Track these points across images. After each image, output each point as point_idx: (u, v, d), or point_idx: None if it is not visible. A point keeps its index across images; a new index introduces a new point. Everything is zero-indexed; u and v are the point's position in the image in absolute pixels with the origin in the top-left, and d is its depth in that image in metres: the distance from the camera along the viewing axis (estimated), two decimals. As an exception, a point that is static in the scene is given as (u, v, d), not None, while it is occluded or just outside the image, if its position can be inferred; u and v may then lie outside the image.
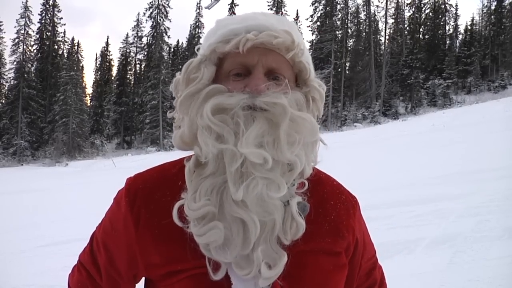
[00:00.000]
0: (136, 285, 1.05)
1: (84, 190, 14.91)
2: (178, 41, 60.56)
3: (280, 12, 48.76)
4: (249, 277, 0.85)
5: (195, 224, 0.85)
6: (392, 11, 53.56)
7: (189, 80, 0.93)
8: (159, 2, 53.42)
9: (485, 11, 54.27)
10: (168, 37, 56.96)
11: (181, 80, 0.95)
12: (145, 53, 55.78)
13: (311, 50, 50.03)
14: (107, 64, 60.31)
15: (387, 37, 52.35)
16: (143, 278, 1.01)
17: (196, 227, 0.85)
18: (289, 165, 0.88)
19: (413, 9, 53.70)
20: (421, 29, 54.10)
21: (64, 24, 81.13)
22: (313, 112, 0.96)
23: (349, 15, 52.76)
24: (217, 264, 0.86)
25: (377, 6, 59.21)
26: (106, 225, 1.01)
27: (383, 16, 52.80)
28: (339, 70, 49.76)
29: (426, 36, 53.49)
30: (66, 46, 58.51)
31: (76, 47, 59.36)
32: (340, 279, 0.98)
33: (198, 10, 55.75)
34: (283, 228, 0.87)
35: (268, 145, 0.84)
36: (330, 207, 0.99)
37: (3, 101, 52.29)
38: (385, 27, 52.25)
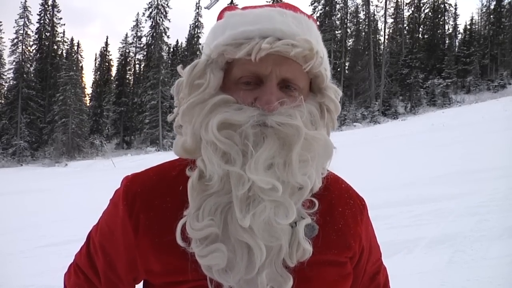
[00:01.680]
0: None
1: (83, 190, 14.89)
2: (177, 41, 60.61)
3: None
4: None
5: (198, 244, 0.81)
6: (391, 10, 53.65)
7: (194, 86, 0.85)
8: (159, 2, 53.41)
9: (484, 10, 54.32)
10: (168, 37, 57.08)
11: (184, 84, 0.86)
12: (145, 53, 55.78)
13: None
14: (107, 64, 60.29)
15: (386, 36, 52.41)
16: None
17: (198, 247, 0.80)
18: (299, 185, 0.82)
19: (413, 9, 53.73)
20: (420, 29, 54.13)
21: (64, 24, 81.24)
22: (327, 125, 0.90)
23: (349, 14, 52.82)
24: (219, 284, 0.83)
25: (377, 6, 59.36)
26: (103, 228, 0.96)
27: (382, 15, 52.87)
28: (338, 69, 49.78)
29: (426, 36, 53.52)
30: (66, 46, 58.56)
31: (75, 47, 59.36)
32: (346, 287, 0.97)
33: (197, 10, 55.78)
34: (289, 252, 0.82)
35: (279, 168, 0.79)
36: (338, 214, 0.95)
37: (3, 102, 52.27)
38: (385, 26, 52.31)
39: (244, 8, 0.91)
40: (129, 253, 0.91)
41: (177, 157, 0.95)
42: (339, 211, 0.96)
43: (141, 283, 1.02)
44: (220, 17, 0.92)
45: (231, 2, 53.11)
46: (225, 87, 0.85)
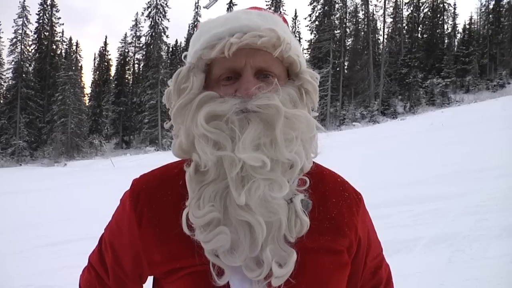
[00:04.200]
0: (144, 285, 1.06)
1: (83, 190, 14.88)
2: (176, 40, 60.54)
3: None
4: (260, 278, 0.85)
5: (202, 231, 0.85)
6: (390, 10, 53.60)
7: (180, 91, 0.93)
8: (158, 1, 53.40)
9: (483, 10, 54.36)
10: (167, 36, 56.98)
11: (172, 91, 0.95)
12: (144, 53, 55.75)
13: (309, 50, 50.11)
14: (106, 64, 60.23)
15: (385, 36, 52.35)
16: (151, 278, 1.02)
17: (202, 233, 0.85)
18: (289, 163, 0.88)
19: (412, 8, 53.71)
20: (419, 28, 54.11)
21: (62, 24, 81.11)
22: (307, 105, 0.95)
23: (348, 14, 52.79)
24: (221, 269, 0.86)
25: (376, 5, 59.39)
26: (113, 225, 1.03)
27: (381, 15, 52.80)
28: (337, 69, 49.77)
29: (425, 35, 53.51)
30: (65, 46, 58.50)
31: (74, 47, 59.31)
32: (342, 279, 0.97)
33: (196, 10, 55.73)
34: (288, 226, 0.87)
35: (266, 146, 0.85)
36: (331, 205, 0.97)
37: (1, 101, 52.21)
38: (384, 26, 52.27)
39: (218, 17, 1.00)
40: (134, 247, 0.96)
41: (168, 159, 1.06)
42: (332, 201, 0.98)
43: (149, 283, 1.04)
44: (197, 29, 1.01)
45: (230, 2, 53.08)
46: (208, 87, 0.93)
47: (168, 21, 62.24)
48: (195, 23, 55.82)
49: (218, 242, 0.84)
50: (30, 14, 54.42)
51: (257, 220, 0.83)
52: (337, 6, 51.80)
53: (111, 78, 59.05)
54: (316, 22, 51.51)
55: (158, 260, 0.93)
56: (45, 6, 55.20)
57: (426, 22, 53.70)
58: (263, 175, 0.84)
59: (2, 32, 71.06)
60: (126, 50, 57.91)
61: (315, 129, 0.93)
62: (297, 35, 52.97)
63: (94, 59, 62.07)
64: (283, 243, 0.87)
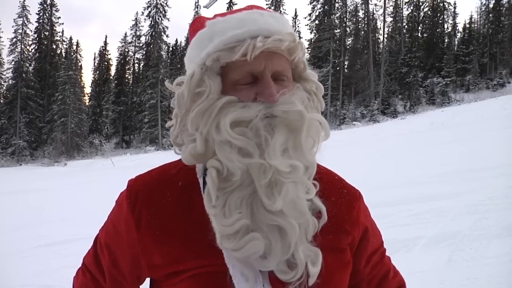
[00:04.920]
0: (141, 286, 1.06)
1: (83, 190, 14.89)
2: (176, 40, 60.52)
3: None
4: (294, 279, 0.85)
5: (231, 240, 0.84)
6: (390, 9, 53.55)
7: (195, 95, 0.89)
8: (158, 1, 53.34)
9: (483, 9, 54.30)
10: (167, 36, 56.93)
11: (185, 94, 0.90)
12: (144, 52, 55.67)
13: (309, 49, 50.06)
14: (106, 63, 60.20)
15: (385, 35, 52.33)
16: (148, 279, 1.02)
17: (232, 242, 0.83)
18: (307, 166, 0.89)
19: (412, 8, 53.68)
20: (419, 28, 54.07)
21: (62, 24, 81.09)
22: (317, 107, 0.97)
23: (348, 13, 52.75)
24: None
25: (376, 5, 59.22)
26: (109, 227, 1.01)
27: (381, 14, 52.77)
28: (337, 68, 49.75)
29: (425, 35, 53.47)
30: (65, 46, 58.48)
31: (74, 47, 59.30)
32: (344, 277, 0.98)
33: (196, 9, 55.67)
34: (313, 226, 0.88)
35: (291, 151, 0.86)
36: (330, 204, 0.96)
37: (2, 101, 52.20)
38: (384, 25, 52.23)
39: (222, 14, 0.97)
40: (132, 250, 0.95)
41: (179, 159, 1.00)
42: (331, 200, 0.98)
43: (146, 284, 1.03)
44: (197, 27, 0.97)
45: (230, 1, 53.06)
46: (223, 90, 0.90)
47: (168, 20, 62.30)
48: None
49: (251, 249, 0.82)
50: (30, 14, 54.56)
51: (290, 223, 0.83)
52: (337, 5, 51.76)
53: (111, 77, 59.02)
54: (316, 22, 51.46)
55: (158, 262, 0.91)
56: (45, 5, 55.18)
57: (426, 21, 53.66)
58: (290, 179, 0.84)
59: (2, 32, 71.10)
60: (126, 50, 57.90)
61: (329, 132, 0.95)
62: (297, 35, 52.91)
63: (94, 59, 62.14)
64: (308, 243, 0.88)
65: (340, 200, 1.00)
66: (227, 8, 52.71)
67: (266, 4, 51.46)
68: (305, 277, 0.86)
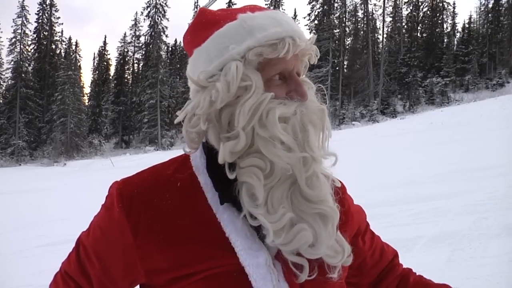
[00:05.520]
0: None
1: (82, 190, 14.88)
2: (176, 40, 60.44)
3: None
4: (340, 262, 0.91)
5: (278, 235, 0.84)
6: (389, 9, 53.59)
7: (241, 89, 0.87)
8: (157, 1, 53.36)
9: (482, 9, 54.32)
10: (166, 36, 57.00)
11: (227, 88, 0.86)
12: (143, 52, 55.70)
13: (309, 49, 50.01)
14: (105, 63, 60.18)
15: (385, 35, 52.35)
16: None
17: (280, 236, 0.84)
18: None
19: (411, 8, 53.72)
20: (419, 28, 54.10)
21: (62, 24, 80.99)
22: None
23: (347, 13, 52.76)
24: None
25: (375, 5, 59.38)
26: (97, 233, 0.96)
27: (380, 14, 52.78)
28: (337, 68, 49.77)
29: (424, 35, 53.50)
30: (64, 46, 58.45)
31: (73, 47, 59.28)
32: (347, 268, 1.01)
33: (195, 9, 55.68)
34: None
35: (319, 144, 0.91)
36: None
37: (1, 101, 52.17)
38: (383, 25, 52.25)
39: (252, 9, 0.96)
40: (128, 257, 0.91)
41: (169, 159, 1.00)
42: None
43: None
44: (207, 19, 0.95)
45: (229, 1, 53.06)
46: None
47: (168, 20, 62.38)
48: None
49: (301, 239, 0.85)
50: (30, 14, 54.52)
51: (331, 207, 0.88)
52: (336, 5, 51.78)
53: (110, 77, 59.00)
54: (315, 21, 51.48)
55: (164, 267, 0.88)
56: (45, 5, 55.16)
57: (426, 21, 53.69)
58: (319, 169, 0.89)
59: (1, 32, 71.03)
60: (126, 50, 57.89)
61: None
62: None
63: (94, 59, 62.03)
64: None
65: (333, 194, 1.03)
66: (227, 8, 52.66)
67: (266, 4, 51.46)
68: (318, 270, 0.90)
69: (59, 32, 59.40)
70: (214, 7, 1.04)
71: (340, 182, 1.07)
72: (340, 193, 0.99)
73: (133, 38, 57.09)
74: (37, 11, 55.02)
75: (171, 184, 0.93)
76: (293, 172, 0.86)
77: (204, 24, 0.95)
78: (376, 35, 54.01)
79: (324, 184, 0.89)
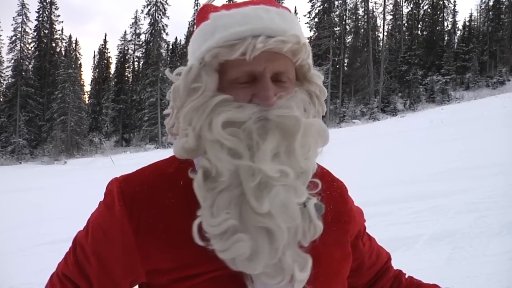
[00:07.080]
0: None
1: (82, 188, 14.87)
2: (176, 38, 60.69)
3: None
4: (281, 284, 0.83)
5: (218, 240, 0.81)
6: (390, 7, 53.54)
7: (191, 90, 0.87)
8: (157, -1, 53.29)
9: (483, 7, 54.26)
10: (166, 34, 57.05)
11: (181, 88, 0.88)
12: (143, 51, 55.68)
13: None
14: (105, 61, 60.17)
15: (385, 33, 52.31)
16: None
17: (219, 242, 0.81)
18: (302, 170, 0.86)
19: (411, 6, 53.66)
20: (419, 26, 54.06)
21: (62, 22, 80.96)
22: (318, 110, 0.94)
23: (347, 11, 52.71)
24: (239, 273, 0.85)
25: (375, 3, 59.31)
26: (96, 232, 0.93)
27: (381, 12, 52.73)
28: (337, 66, 49.74)
29: (425, 33, 53.47)
30: (64, 44, 58.42)
31: (74, 45, 59.24)
32: (348, 268, 1.01)
33: (196, 7, 55.61)
34: (303, 231, 0.85)
35: (283, 156, 0.83)
36: (326, 197, 0.96)
37: (1, 99, 52.17)
38: (383, 23, 52.20)
39: (227, 7, 0.93)
40: (129, 256, 0.89)
41: (170, 156, 0.97)
42: (327, 194, 0.98)
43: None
44: (202, 17, 0.93)
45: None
46: (220, 88, 0.87)
47: (168, 18, 62.20)
48: (195, 21, 55.69)
49: (237, 250, 0.80)
50: (30, 12, 54.29)
51: (279, 225, 0.80)
52: (336, 3, 51.73)
53: (110, 76, 58.98)
54: (316, 19, 51.41)
55: (166, 267, 0.86)
56: (45, 3, 55.10)
57: (426, 19, 53.64)
58: (281, 182, 0.81)
59: (2, 30, 71.00)
60: (126, 48, 57.86)
61: (328, 136, 0.92)
62: (304, 36, 52.88)
63: (94, 57, 62.02)
64: (298, 248, 0.85)
65: (333, 194, 1.02)
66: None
67: (266, 2, 51.46)
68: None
69: (59, 30, 59.35)
70: (216, 3, 1.02)
71: (342, 183, 1.06)
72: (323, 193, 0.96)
73: (133, 36, 57.10)
74: (37, 9, 55.02)
75: (174, 183, 0.91)
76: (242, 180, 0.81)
77: (197, 22, 0.96)
78: (376, 33, 54.01)
79: (278, 198, 0.81)
